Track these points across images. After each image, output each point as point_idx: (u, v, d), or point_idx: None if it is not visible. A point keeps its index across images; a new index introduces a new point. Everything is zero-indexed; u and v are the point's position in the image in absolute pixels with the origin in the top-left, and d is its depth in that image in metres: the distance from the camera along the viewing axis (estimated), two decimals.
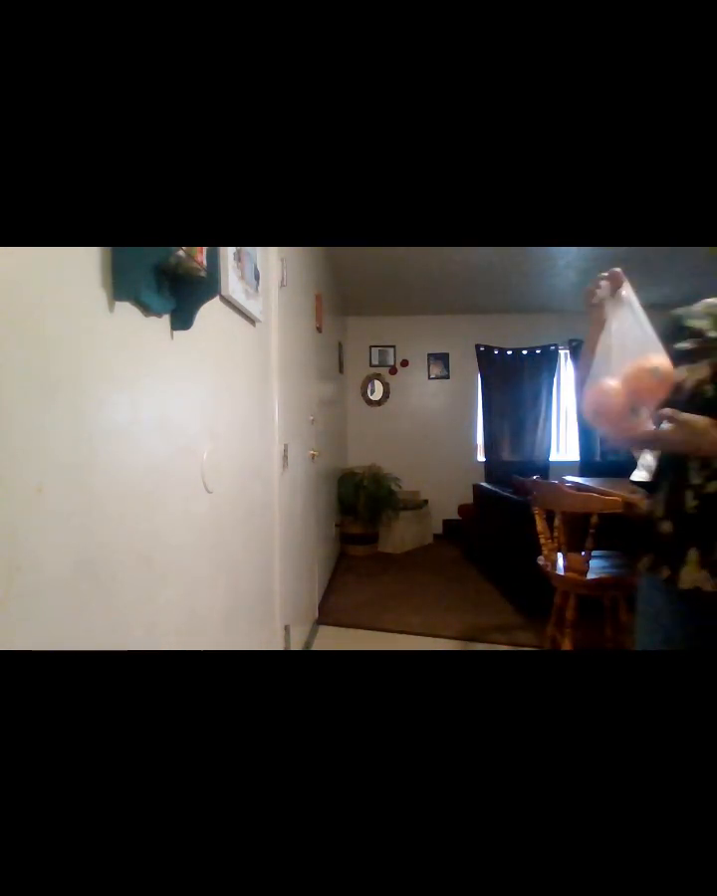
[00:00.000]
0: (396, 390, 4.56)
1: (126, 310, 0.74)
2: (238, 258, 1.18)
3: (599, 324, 0.75)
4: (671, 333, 0.85)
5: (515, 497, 2.80)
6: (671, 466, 0.80)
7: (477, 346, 4.41)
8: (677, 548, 0.78)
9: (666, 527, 0.81)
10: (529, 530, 2.01)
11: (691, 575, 0.75)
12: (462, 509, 4.20)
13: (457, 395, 4.49)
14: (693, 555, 0.75)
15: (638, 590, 0.94)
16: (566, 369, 4.47)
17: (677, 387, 0.74)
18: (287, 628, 1.78)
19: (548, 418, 4.43)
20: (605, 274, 0.76)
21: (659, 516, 0.83)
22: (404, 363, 4.54)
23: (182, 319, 0.89)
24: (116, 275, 0.69)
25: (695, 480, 0.77)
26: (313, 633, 2.36)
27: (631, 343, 0.71)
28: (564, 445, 4.59)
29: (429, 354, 4.52)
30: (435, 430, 4.47)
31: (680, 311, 0.88)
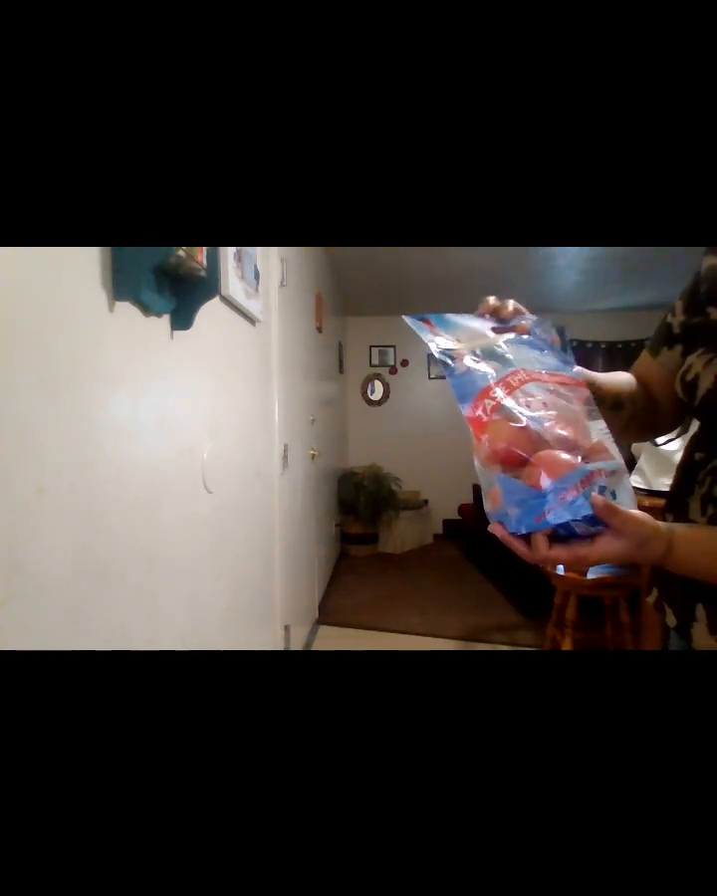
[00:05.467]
0: (396, 390, 4.56)
1: (126, 310, 0.74)
2: (238, 258, 1.18)
3: None
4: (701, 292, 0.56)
5: None
6: (682, 483, 0.58)
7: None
8: (686, 594, 0.56)
9: None
10: None
11: (703, 638, 0.53)
12: (463, 509, 4.19)
13: None
14: (701, 613, 0.53)
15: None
16: None
17: (687, 386, 0.53)
18: (287, 628, 1.78)
19: None
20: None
21: None
22: (404, 363, 4.54)
23: (182, 319, 0.89)
24: (116, 275, 0.69)
25: (695, 515, 0.53)
26: (313, 633, 2.36)
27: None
28: None
29: (429, 355, 4.50)
30: (436, 430, 4.47)
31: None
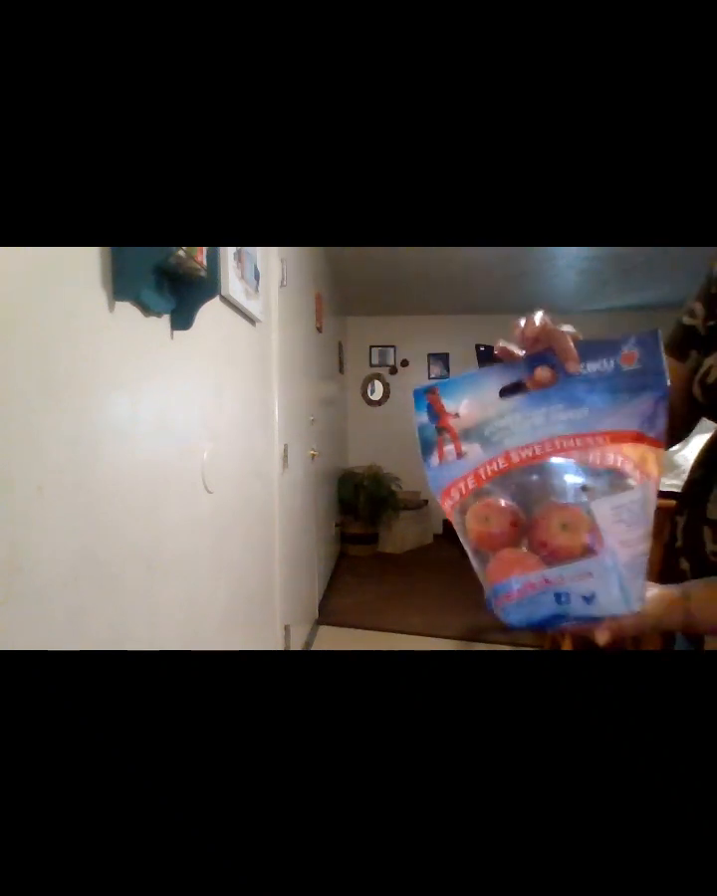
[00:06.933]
0: (397, 390, 4.56)
1: (126, 310, 0.74)
2: (238, 258, 1.18)
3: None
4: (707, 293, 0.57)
5: None
6: (699, 483, 0.56)
7: (477, 347, 4.41)
8: None
9: (685, 564, 0.56)
10: None
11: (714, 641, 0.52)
12: None
13: None
14: None
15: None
16: None
17: (708, 389, 0.51)
18: (287, 628, 1.78)
19: None
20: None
21: (679, 546, 0.58)
22: (404, 363, 4.54)
23: (182, 319, 0.89)
24: (116, 275, 0.69)
25: (714, 515, 0.51)
26: (313, 633, 2.36)
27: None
28: None
29: (429, 354, 4.52)
30: None
31: None
